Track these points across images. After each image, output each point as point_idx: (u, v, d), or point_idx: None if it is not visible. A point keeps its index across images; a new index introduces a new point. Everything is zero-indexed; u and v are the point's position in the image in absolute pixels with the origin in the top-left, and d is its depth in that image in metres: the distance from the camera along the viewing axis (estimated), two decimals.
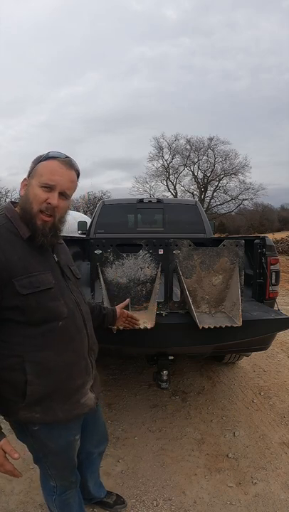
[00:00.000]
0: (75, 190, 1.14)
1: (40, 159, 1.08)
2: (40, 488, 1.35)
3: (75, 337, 1.12)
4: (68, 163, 1.08)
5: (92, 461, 1.52)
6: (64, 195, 1.07)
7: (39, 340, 1.04)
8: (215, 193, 32.17)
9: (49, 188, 1.04)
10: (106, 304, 1.78)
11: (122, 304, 1.58)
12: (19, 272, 1.01)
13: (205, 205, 29.71)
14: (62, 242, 1.26)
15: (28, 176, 1.09)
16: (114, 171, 64.21)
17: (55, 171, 1.05)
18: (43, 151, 1.12)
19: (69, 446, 1.21)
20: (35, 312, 1.02)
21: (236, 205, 32.18)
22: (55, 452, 1.18)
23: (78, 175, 1.14)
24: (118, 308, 1.53)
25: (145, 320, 1.70)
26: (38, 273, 1.04)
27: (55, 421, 1.10)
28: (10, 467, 1.00)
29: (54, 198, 1.04)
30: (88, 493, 1.60)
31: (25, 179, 1.10)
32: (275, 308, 2.18)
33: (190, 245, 1.88)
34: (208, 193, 32.42)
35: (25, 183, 1.09)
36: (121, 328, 1.58)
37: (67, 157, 1.10)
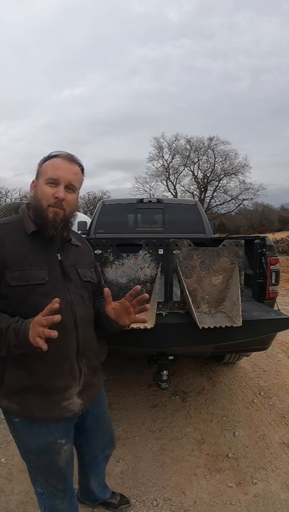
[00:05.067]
0: (80, 184, 1.18)
1: (44, 160, 1.15)
2: None
3: (60, 338, 1.00)
4: (70, 158, 1.14)
5: (97, 464, 1.50)
6: (70, 188, 1.12)
7: None
8: (215, 193, 32.18)
9: (54, 183, 1.09)
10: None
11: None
12: (13, 265, 1.05)
13: (205, 205, 29.69)
14: (79, 244, 1.27)
15: (36, 177, 1.16)
16: (117, 171, 64.35)
17: (57, 166, 1.11)
18: (47, 152, 1.18)
19: (50, 448, 1.16)
20: (21, 305, 1.05)
21: (236, 205, 32.19)
22: (34, 451, 1.16)
23: (82, 170, 1.18)
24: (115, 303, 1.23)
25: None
26: (32, 268, 1.07)
27: (32, 417, 1.11)
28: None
29: (60, 191, 1.09)
30: (92, 494, 1.59)
31: (33, 181, 1.17)
32: (275, 308, 2.18)
33: (190, 245, 1.88)
34: (208, 193, 32.43)
35: (34, 185, 1.16)
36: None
37: (68, 154, 1.16)
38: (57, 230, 1.10)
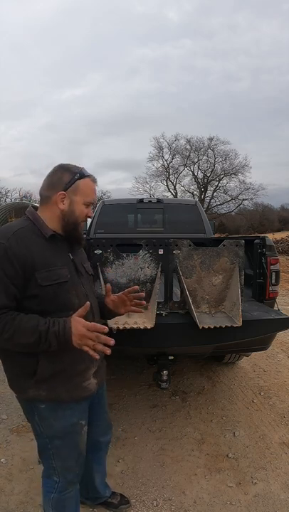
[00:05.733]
0: None
1: (77, 175, 1.23)
2: (40, 488, 1.35)
3: None
4: (96, 180, 1.30)
5: (98, 449, 1.55)
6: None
7: None
8: (215, 193, 32.21)
9: (90, 206, 1.28)
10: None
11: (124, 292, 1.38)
12: (40, 267, 1.15)
13: (205, 205, 29.69)
14: None
15: (65, 189, 1.22)
16: (117, 171, 64.57)
17: (94, 190, 1.29)
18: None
19: (73, 429, 1.27)
20: (51, 302, 1.16)
21: (236, 205, 32.21)
22: (60, 435, 1.25)
23: None
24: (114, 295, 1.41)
25: (145, 320, 1.70)
26: (56, 268, 1.19)
27: (58, 400, 1.21)
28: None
29: (91, 212, 1.30)
30: (94, 491, 1.61)
31: (62, 193, 1.22)
32: (275, 308, 2.18)
33: (190, 245, 1.88)
34: (208, 193, 32.44)
35: (63, 197, 1.22)
36: (121, 327, 1.58)
37: (94, 176, 1.31)
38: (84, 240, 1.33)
